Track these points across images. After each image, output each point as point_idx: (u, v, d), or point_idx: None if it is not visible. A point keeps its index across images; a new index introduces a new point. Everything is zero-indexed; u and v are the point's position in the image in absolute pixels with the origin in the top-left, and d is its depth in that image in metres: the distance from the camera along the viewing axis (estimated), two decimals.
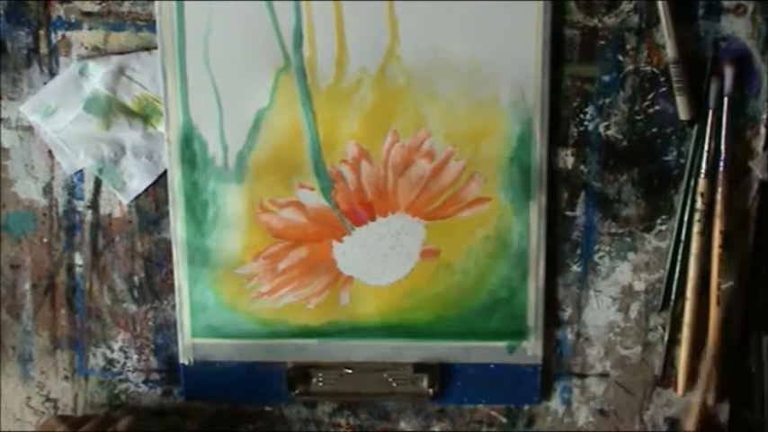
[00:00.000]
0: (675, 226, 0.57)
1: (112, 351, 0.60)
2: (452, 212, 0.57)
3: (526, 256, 0.57)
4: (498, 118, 0.55)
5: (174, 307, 0.59)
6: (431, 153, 0.56)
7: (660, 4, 0.54)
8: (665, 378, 0.59)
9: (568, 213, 0.57)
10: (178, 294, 0.58)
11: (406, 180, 0.56)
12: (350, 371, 0.59)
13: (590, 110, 0.56)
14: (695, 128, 0.55)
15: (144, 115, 0.56)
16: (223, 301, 0.58)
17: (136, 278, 0.59)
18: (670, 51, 0.54)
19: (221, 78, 0.55)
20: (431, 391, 0.59)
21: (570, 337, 0.59)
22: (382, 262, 0.57)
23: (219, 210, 0.57)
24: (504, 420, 0.60)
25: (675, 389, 0.59)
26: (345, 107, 0.55)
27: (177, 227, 0.57)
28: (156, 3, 0.54)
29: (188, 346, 0.59)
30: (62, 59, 0.56)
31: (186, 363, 0.59)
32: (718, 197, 0.56)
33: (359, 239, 0.57)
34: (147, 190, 0.57)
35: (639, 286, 0.58)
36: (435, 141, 0.56)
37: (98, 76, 0.55)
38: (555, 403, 0.60)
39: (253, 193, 0.56)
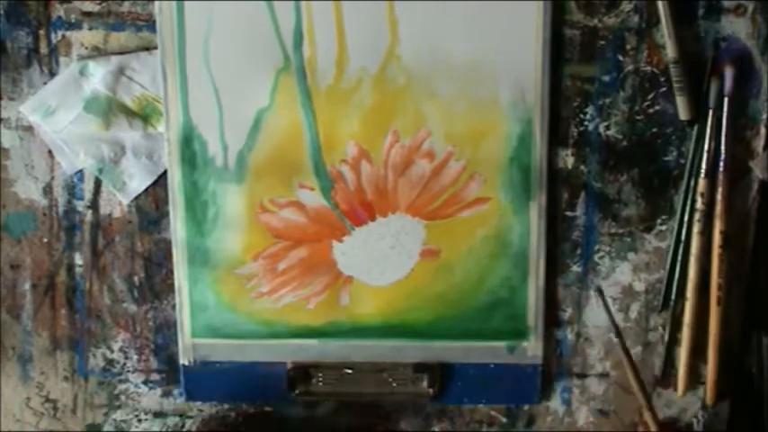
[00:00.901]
0: (675, 226, 0.57)
1: (112, 351, 0.60)
2: (452, 212, 0.57)
3: (526, 256, 0.57)
4: (498, 118, 0.55)
5: (173, 307, 0.59)
6: (431, 153, 0.56)
7: (660, 4, 0.54)
8: (665, 378, 0.59)
9: (568, 213, 0.57)
10: (178, 294, 0.58)
11: (406, 180, 0.56)
12: (350, 371, 0.59)
13: (590, 110, 0.56)
14: (695, 128, 0.55)
15: (144, 115, 0.56)
16: (223, 301, 0.58)
17: (136, 278, 0.59)
18: (670, 51, 0.54)
19: (221, 78, 0.55)
20: (431, 391, 0.59)
21: (570, 337, 0.59)
22: (382, 262, 0.57)
23: (219, 210, 0.57)
24: (504, 420, 0.60)
25: (675, 389, 0.59)
26: (345, 107, 0.55)
27: (177, 227, 0.57)
28: (156, 3, 0.54)
29: (188, 346, 0.59)
30: (62, 59, 0.56)
31: (186, 363, 0.59)
32: (718, 197, 0.56)
33: (359, 239, 0.57)
34: (147, 190, 0.57)
35: (639, 286, 0.58)
36: (435, 141, 0.56)
37: (98, 76, 0.55)
38: (555, 403, 0.60)
39: (253, 193, 0.56)
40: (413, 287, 0.58)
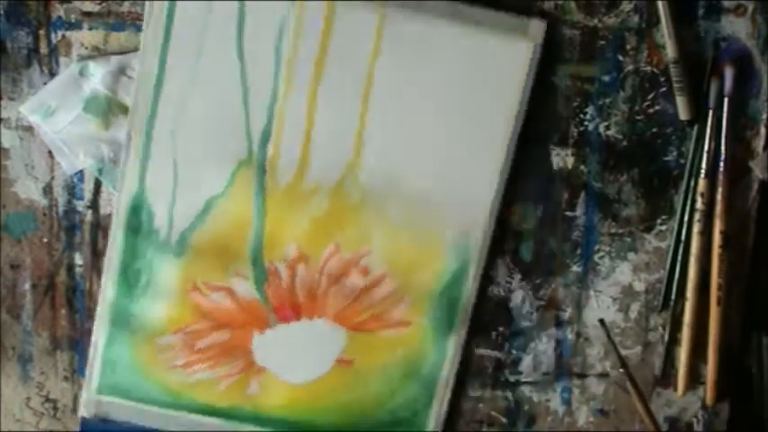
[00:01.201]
0: (675, 226, 0.57)
1: None
2: (375, 328, 0.57)
3: (435, 383, 0.58)
4: (438, 251, 0.56)
5: None
6: (367, 270, 0.56)
7: (660, 4, 0.54)
8: (665, 378, 0.59)
9: (568, 213, 0.57)
10: (93, 349, 0.58)
11: (338, 289, 0.57)
12: None
13: (590, 110, 0.56)
14: (695, 128, 0.55)
15: None
16: (136, 364, 0.58)
17: None
18: (670, 51, 0.54)
19: (183, 157, 0.55)
20: None
21: (570, 337, 0.59)
22: (298, 360, 0.58)
23: (152, 279, 0.57)
24: (504, 420, 0.60)
25: (675, 389, 0.59)
26: (296, 211, 0.55)
27: (107, 286, 0.57)
28: (138, 63, 0.54)
29: (91, 399, 0.59)
30: (62, 59, 0.56)
31: (86, 416, 0.59)
32: (719, 197, 0.56)
33: (280, 334, 0.58)
34: None
35: (639, 286, 0.58)
36: (374, 260, 0.56)
37: (98, 76, 0.55)
38: (555, 403, 0.60)
39: (188, 272, 0.56)
40: (322, 390, 0.58)
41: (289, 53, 0.54)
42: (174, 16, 0.53)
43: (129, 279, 0.57)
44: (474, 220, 0.56)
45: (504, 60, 0.54)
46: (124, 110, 0.56)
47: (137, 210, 0.56)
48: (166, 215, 0.56)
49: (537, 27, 0.53)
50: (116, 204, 0.56)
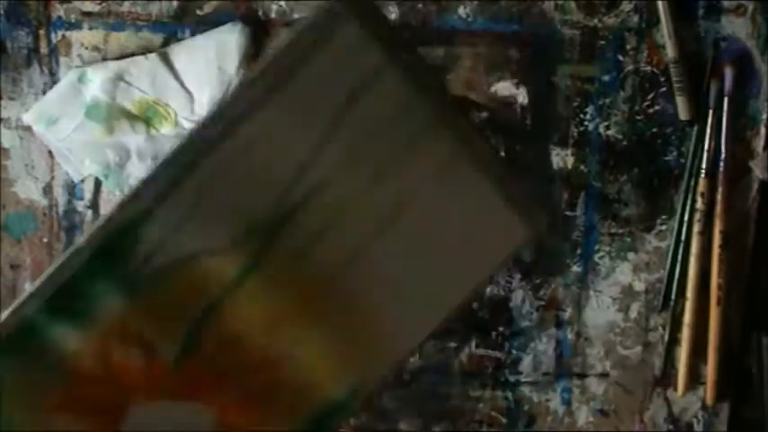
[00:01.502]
0: (675, 226, 0.57)
1: None
2: None
3: None
4: (337, 374, 0.48)
5: None
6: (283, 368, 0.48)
7: (660, 4, 0.54)
8: (665, 378, 0.59)
9: (568, 213, 0.57)
10: None
11: (243, 383, 0.47)
12: None
13: (590, 110, 0.56)
14: (695, 128, 0.55)
15: (145, 118, 0.56)
16: (7, 390, 0.48)
17: None
18: (670, 51, 0.54)
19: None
20: None
21: (570, 337, 0.59)
22: None
23: (88, 309, 0.45)
24: (504, 420, 0.60)
25: (675, 389, 0.59)
26: (271, 295, 0.49)
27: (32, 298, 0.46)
28: None
29: None
30: (62, 59, 0.56)
31: None
32: (719, 197, 0.56)
33: (162, 411, 0.45)
34: None
35: (639, 286, 0.58)
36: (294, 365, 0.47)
37: (96, 82, 0.55)
38: (555, 403, 0.60)
39: (128, 313, 0.46)
40: None
41: None
42: None
43: (65, 299, 0.46)
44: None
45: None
46: (126, 114, 0.56)
47: (126, 231, 0.45)
48: (152, 247, 0.46)
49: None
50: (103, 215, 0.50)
